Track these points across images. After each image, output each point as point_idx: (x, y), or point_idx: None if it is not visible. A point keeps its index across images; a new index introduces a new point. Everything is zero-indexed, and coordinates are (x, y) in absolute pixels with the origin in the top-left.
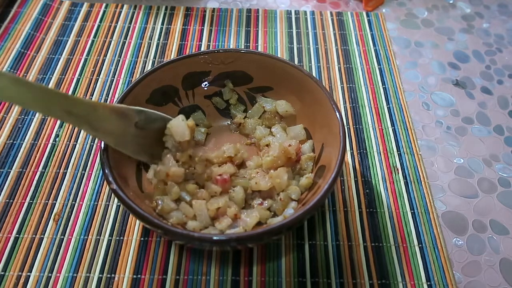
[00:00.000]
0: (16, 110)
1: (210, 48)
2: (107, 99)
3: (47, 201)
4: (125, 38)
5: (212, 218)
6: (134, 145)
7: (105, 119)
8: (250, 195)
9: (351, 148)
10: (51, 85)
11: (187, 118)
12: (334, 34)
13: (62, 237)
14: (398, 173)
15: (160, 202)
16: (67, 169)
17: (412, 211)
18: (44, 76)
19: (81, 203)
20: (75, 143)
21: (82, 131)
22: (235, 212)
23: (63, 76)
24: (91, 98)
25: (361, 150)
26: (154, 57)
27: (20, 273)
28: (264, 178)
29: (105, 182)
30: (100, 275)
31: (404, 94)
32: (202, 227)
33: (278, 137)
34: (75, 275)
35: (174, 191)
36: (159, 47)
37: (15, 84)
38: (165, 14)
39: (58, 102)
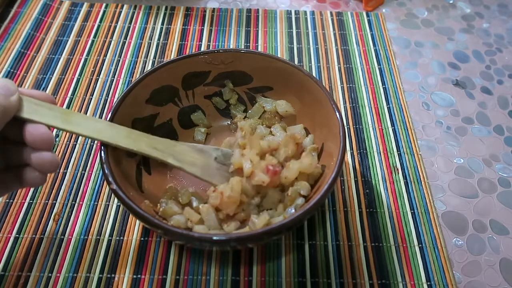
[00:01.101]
0: None
1: (210, 48)
2: (107, 99)
3: (47, 201)
4: (125, 38)
5: (220, 221)
6: (220, 176)
7: (185, 154)
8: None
9: (351, 148)
10: (51, 85)
11: (187, 118)
12: (334, 34)
13: (62, 237)
14: (398, 173)
15: (164, 205)
16: (67, 169)
17: (412, 211)
18: (44, 76)
19: (81, 203)
20: (75, 143)
21: None
22: (245, 217)
23: (63, 76)
24: (91, 98)
25: (361, 150)
26: (154, 57)
27: (20, 273)
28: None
29: (105, 182)
30: (100, 275)
31: (404, 94)
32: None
33: (278, 136)
34: (75, 275)
35: (186, 194)
36: (159, 47)
37: (110, 126)
38: (165, 14)
39: (144, 140)
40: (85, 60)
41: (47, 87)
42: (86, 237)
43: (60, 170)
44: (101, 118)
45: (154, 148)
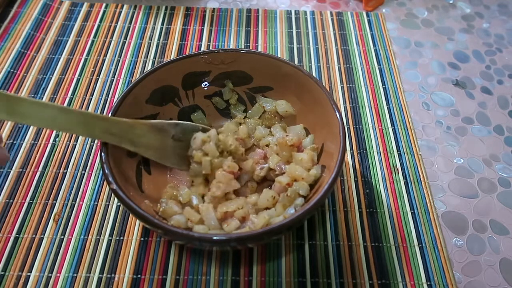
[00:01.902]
0: None
1: (210, 48)
2: (107, 99)
3: (47, 201)
4: (125, 38)
5: (220, 220)
6: (175, 156)
7: (143, 135)
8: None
9: (351, 148)
10: (51, 85)
11: (187, 118)
12: (334, 34)
13: (62, 237)
14: (398, 173)
15: (164, 205)
16: (67, 169)
17: (412, 211)
18: (44, 76)
19: (81, 203)
20: (75, 143)
21: None
22: (243, 215)
23: (63, 76)
24: (91, 98)
25: (361, 150)
26: (154, 57)
27: (20, 273)
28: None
29: (105, 182)
30: (100, 275)
31: (404, 94)
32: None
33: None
34: (75, 275)
35: (186, 193)
36: (159, 47)
37: (62, 112)
38: (165, 14)
39: (98, 124)
40: (85, 60)
41: (47, 87)
42: (86, 237)
43: (60, 170)
44: None
45: (109, 134)
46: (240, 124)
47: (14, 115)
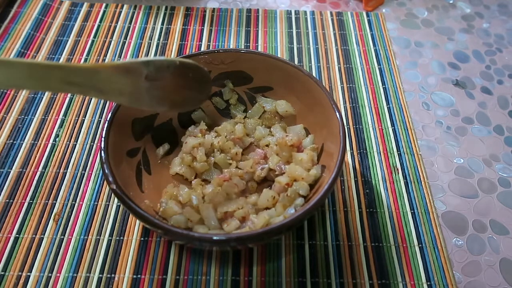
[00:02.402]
0: (16, 110)
1: (210, 48)
2: None
3: (47, 201)
4: (125, 38)
5: (220, 220)
6: (150, 98)
7: (111, 80)
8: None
9: (351, 148)
10: None
11: (187, 117)
12: (334, 34)
13: (62, 237)
14: (398, 173)
15: (164, 205)
16: (67, 169)
17: (412, 211)
18: None
19: (81, 203)
20: (75, 143)
21: (82, 131)
22: (243, 215)
23: None
24: (91, 98)
25: (361, 150)
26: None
27: (20, 273)
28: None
29: (105, 182)
30: (100, 275)
31: (404, 94)
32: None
33: (278, 136)
34: (75, 275)
35: (186, 193)
36: (159, 47)
37: (6, 66)
38: (165, 14)
39: (54, 75)
40: (85, 60)
41: None
42: (86, 237)
43: (60, 170)
44: (101, 118)
45: (69, 84)
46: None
47: None
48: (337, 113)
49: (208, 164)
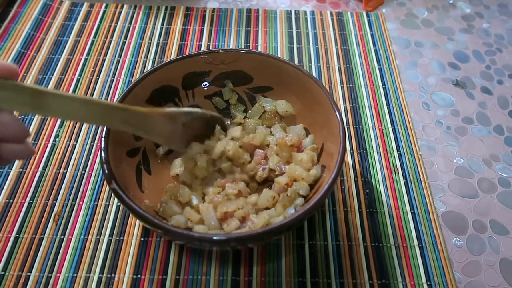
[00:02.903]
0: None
1: (210, 48)
2: (107, 99)
3: (47, 201)
4: (125, 38)
5: (220, 220)
6: (182, 141)
7: (157, 124)
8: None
9: (351, 148)
10: (51, 85)
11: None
12: (334, 34)
13: (62, 237)
14: (398, 173)
15: (164, 205)
16: (67, 169)
17: (412, 211)
18: (44, 76)
19: (81, 203)
20: (75, 143)
21: (82, 131)
22: (243, 215)
23: (63, 76)
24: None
25: (361, 150)
26: (154, 57)
27: (20, 273)
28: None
29: (105, 182)
30: (100, 275)
31: (404, 94)
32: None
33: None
34: (75, 275)
35: (186, 193)
36: (159, 47)
37: (84, 104)
38: (165, 14)
39: (118, 115)
40: (85, 60)
41: (47, 87)
42: (86, 237)
43: (60, 170)
44: None
45: (128, 124)
46: (240, 124)
47: (38, 109)
48: (337, 113)
49: (208, 173)
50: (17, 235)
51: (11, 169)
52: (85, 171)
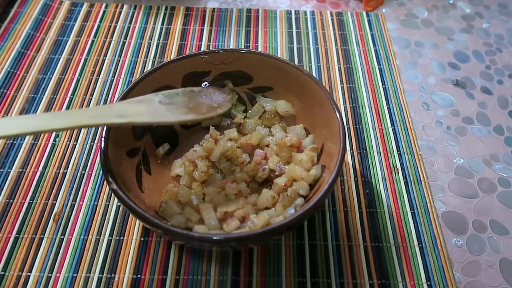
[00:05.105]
0: (16, 110)
1: (210, 48)
2: (107, 99)
3: (47, 201)
4: (125, 38)
5: (220, 220)
6: (173, 114)
7: (127, 109)
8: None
9: (351, 148)
10: (51, 85)
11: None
12: (334, 34)
13: (62, 237)
14: (398, 173)
15: (164, 205)
16: (67, 169)
17: (412, 211)
18: (44, 76)
19: (81, 203)
20: (75, 143)
21: (82, 131)
22: (243, 215)
23: (63, 76)
24: (91, 98)
25: (361, 150)
26: (154, 57)
27: (20, 273)
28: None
29: (105, 182)
30: (100, 275)
31: (404, 94)
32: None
33: (278, 136)
34: (75, 275)
35: (186, 193)
36: (159, 47)
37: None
38: (165, 14)
39: (77, 116)
40: (85, 60)
41: (47, 87)
42: (86, 237)
43: (60, 170)
44: None
45: (91, 117)
46: (240, 124)
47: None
48: (337, 113)
49: (208, 177)
50: (17, 235)
51: (11, 169)
52: (85, 171)
